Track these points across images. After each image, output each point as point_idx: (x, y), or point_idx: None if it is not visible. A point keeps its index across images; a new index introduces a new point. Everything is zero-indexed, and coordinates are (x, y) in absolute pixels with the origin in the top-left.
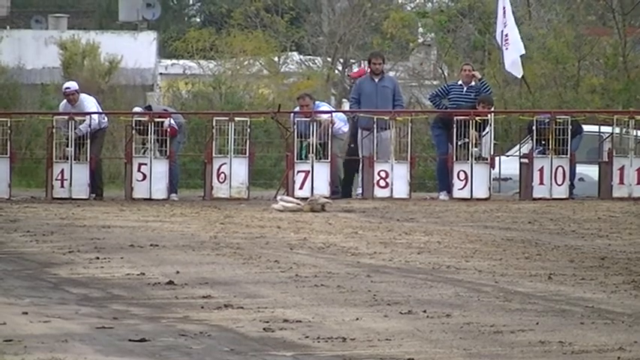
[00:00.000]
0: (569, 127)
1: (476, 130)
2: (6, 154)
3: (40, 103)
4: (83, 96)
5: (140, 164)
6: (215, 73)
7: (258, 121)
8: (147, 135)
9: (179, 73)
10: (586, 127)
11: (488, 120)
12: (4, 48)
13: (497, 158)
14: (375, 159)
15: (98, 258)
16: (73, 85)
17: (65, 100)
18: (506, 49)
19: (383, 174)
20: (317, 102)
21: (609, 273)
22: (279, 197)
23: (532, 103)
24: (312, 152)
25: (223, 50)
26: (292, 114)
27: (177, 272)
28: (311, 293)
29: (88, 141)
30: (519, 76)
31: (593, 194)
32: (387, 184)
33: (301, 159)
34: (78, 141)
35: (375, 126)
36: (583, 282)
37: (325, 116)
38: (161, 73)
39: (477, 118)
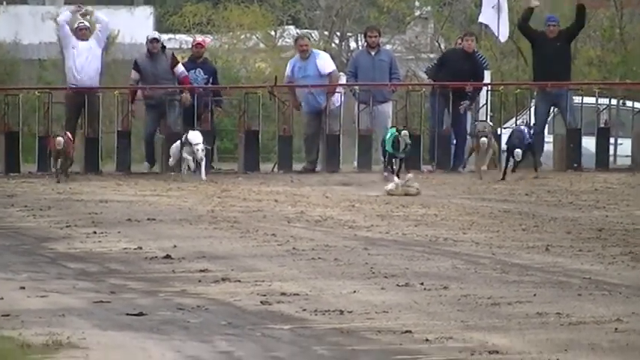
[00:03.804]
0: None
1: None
2: (3, 129)
3: (37, 79)
4: None
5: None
6: (212, 48)
7: (254, 95)
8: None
9: (176, 48)
10: (584, 100)
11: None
12: (1, 24)
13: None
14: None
15: (95, 232)
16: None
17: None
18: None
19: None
20: (315, 50)
21: (607, 244)
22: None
23: (529, 76)
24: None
25: (220, 25)
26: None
27: (175, 246)
28: (308, 266)
29: (86, 114)
30: (502, 39)
31: (591, 166)
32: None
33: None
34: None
35: (371, 99)
36: (580, 253)
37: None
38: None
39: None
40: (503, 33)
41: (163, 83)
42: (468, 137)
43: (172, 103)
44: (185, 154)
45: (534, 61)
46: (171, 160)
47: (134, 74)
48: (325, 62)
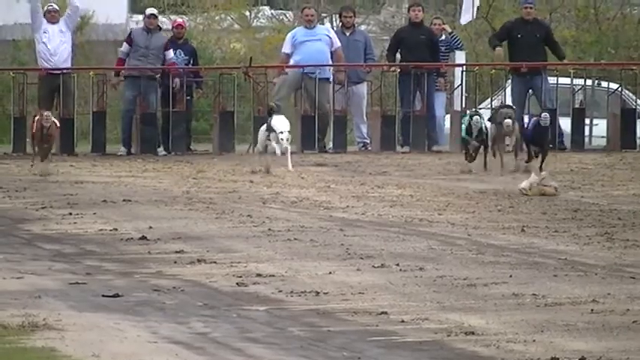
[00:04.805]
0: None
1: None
2: None
3: (12, 60)
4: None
5: None
6: (186, 28)
7: (229, 76)
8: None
9: None
10: (559, 80)
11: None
12: None
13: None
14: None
15: (71, 214)
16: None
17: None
18: None
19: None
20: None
21: (582, 225)
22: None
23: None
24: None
25: (195, 5)
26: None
27: (150, 227)
28: (284, 247)
29: (61, 97)
30: (464, 22)
31: (568, 146)
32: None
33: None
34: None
35: (346, 80)
36: (556, 234)
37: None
38: (132, 28)
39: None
40: (465, 17)
41: (152, 58)
42: (490, 124)
43: (153, 83)
44: (269, 139)
45: (509, 44)
46: (258, 145)
47: (124, 46)
48: (335, 36)
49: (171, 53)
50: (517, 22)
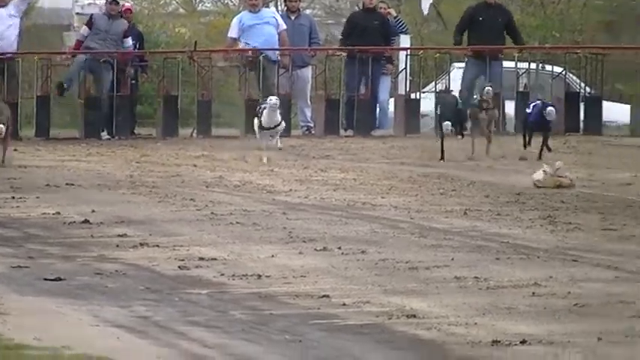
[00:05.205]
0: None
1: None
2: None
3: None
4: None
5: None
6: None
7: (174, 60)
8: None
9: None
10: (504, 64)
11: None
12: None
13: (413, 95)
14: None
15: (14, 197)
16: None
17: None
18: None
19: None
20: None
21: (525, 208)
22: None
23: (449, 40)
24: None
25: None
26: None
27: (93, 211)
28: (226, 231)
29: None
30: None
31: (511, 130)
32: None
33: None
34: None
35: (291, 64)
36: (499, 217)
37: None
38: (78, 13)
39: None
40: (424, 5)
41: (110, 43)
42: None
43: (107, 67)
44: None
45: (470, 28)
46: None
47: (84, 29)
48: (280, 19)
49: (129, 41)
50: (479, 6)
